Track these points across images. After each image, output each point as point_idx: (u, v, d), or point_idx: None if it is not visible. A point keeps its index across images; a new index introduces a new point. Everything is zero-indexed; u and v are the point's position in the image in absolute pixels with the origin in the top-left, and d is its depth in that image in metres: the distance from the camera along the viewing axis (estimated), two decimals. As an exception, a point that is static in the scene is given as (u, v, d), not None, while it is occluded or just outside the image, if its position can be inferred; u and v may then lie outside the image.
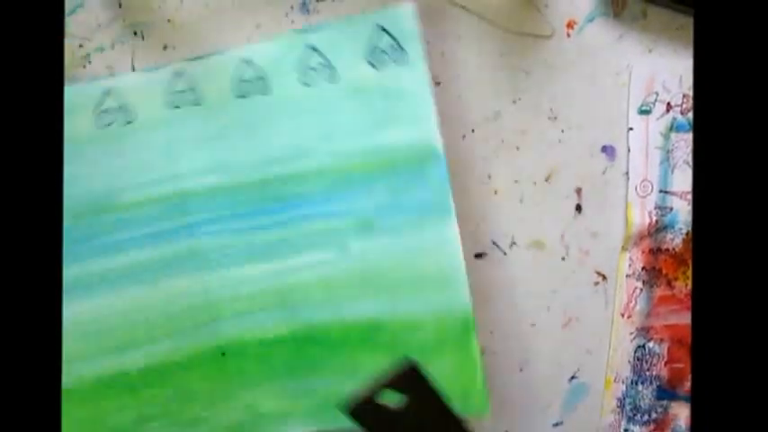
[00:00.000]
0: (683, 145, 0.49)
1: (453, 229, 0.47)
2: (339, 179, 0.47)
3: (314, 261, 0.48)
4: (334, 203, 0.47)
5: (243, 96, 0.47)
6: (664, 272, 0.51)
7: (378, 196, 0.47)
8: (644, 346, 0.52)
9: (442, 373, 0.45)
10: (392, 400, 0.37)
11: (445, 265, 0.47)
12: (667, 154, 0.49)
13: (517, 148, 0.49)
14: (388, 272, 0.47)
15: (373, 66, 0.46)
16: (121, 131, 0.47)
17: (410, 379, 0.37)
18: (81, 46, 0.46)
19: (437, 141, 0.46)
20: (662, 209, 0.50)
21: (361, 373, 0.46)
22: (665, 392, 0.53)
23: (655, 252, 0.51)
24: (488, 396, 0.48)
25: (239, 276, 0.48)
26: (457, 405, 0.44)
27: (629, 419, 0.53)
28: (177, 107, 0.47)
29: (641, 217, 0.50)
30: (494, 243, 0.51)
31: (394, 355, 0.45)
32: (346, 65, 0.46)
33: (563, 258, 0.51)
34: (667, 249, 0.51)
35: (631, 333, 0.52)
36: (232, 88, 0.47)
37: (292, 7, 0.47)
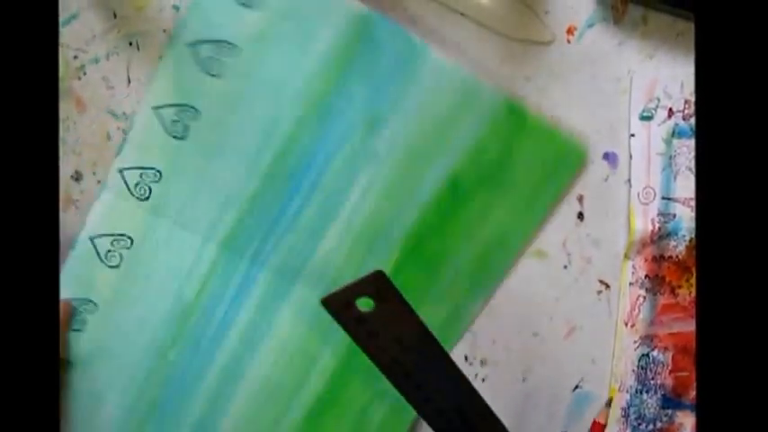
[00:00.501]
0: (686, 151, 0.49)
1: (435, 57, 0.46)
2: (316, 118, 0.47)
3: (363, 186, 0.47)
4: (330, 138, 0.47)
5: (181, 138, 0.47)
6: (667, 279, 0.50)
7: (359, 93, 0.46)
8: (648, 355, 0.51)
9: (534, 159, 0.47)
10: (365, 305, 0.39)
11: (460, 85, 0.46)
12: (670, 160, 0.49)
13: (518, 156, 0.49)
14: (427, 135, 0.47)
15: (248, 6, 0.45)
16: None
17: (377, 286, 0.39)
18: (76, 57, 0.46)
19: (358, 7, 0.45)
20: (665, 216, 0.49)
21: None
22: (670, 401, 0.52)
23: (658, 259, 0.50)
24: (576, 142, 0.48)
25: (328, 256, 0.49)
26: (564, 171, 0.48)
27: (634, 429, 0.52)
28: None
29: (644, 224, 0.49)
30: (495, 252, 0.50)
31: (493, 184, 0.48)
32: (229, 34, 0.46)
33: (565, 267, 0.50)
34: (671, 257, 0.50)
35: (635, 342, 0.51)
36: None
37: (289, 16, 0.46)
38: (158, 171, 0.47)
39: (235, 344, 0.49)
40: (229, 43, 0.45)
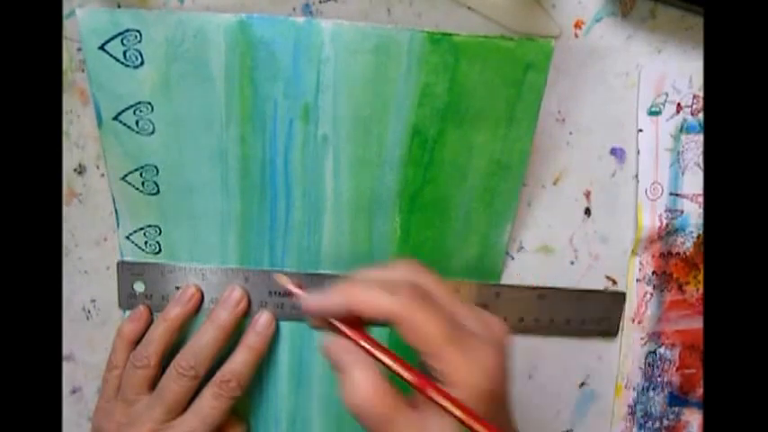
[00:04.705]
0: (694, 146, 0.48)
1: (328, 27, 0.43)
2: (252, 130, 0.46)
3: (331, 167, 0.47)
4: (275, 141, 0.47)
5: (155, 195, 0.48)
6: (675, 276, 0.50)
7: (276, 90, 0.45)
8: (655, 352, 0.51)
9: (488, 76, 0.45)
10: None
11: (371, 40, 0.44)
12: (678, 156, 0.49)
13: (524, 151, 0.48)
14: (363, 97, 0.45)
15: (135, 66, 0.44)
16: None
17: None
18: (79, 49, 0.46)
19: (228, 18, 0.44)
20: (672, 212, 0.49)
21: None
22: (677, 399, 0.52)
23: (665, 256, 0.50)
24: (534, 40, 0.44)
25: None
26: (534, 74, 0.44)
27: (641, 426, 0.52)
28: None
29: (651, 220, 0.49)
30: (501, 248, 0.50)
31: (460, 117, 0.46)
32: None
33: (572, 263, 0.50)
34: (678, 253, 0.50)
35: (642, 338, 0.51)
36: None
37: (294, 9, 0.46)
38: (158, 227, 0.48)
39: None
40: (142, 103, 0.45)
